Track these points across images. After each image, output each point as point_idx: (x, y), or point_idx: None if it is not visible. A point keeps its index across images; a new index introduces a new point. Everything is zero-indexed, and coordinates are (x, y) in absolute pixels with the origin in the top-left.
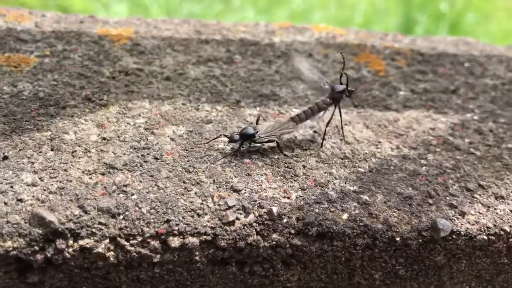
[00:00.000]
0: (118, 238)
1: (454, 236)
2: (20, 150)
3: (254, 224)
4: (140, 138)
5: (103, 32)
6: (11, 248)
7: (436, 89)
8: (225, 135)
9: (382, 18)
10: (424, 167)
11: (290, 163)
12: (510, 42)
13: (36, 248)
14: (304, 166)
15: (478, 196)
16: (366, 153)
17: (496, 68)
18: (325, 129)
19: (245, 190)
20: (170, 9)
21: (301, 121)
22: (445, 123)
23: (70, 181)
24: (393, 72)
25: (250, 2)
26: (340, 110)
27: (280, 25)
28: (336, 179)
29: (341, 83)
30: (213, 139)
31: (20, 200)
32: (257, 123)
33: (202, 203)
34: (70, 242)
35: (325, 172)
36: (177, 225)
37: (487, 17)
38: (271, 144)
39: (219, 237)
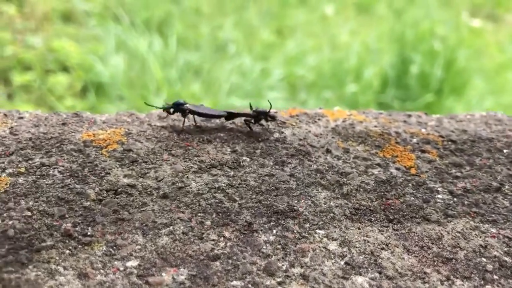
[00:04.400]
0: None
1: None
2: None
3: None
4: None
5: (89, 137)
6: None
7: (477, 187)
8: None
9: (376, 59)
10: None
11: None
12: (504, 76)
13: None
14: None
15: None
16: None
17: None
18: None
19: None
20: (167, 59)
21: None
22: (497, 237)
23: None
24: (426, 168)
25: (245, 49)
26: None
27: (289, 113)
28: None
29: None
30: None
31: None
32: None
33: None
34: None
35: None
36: None
37: (480, 53)
38: None
39: None
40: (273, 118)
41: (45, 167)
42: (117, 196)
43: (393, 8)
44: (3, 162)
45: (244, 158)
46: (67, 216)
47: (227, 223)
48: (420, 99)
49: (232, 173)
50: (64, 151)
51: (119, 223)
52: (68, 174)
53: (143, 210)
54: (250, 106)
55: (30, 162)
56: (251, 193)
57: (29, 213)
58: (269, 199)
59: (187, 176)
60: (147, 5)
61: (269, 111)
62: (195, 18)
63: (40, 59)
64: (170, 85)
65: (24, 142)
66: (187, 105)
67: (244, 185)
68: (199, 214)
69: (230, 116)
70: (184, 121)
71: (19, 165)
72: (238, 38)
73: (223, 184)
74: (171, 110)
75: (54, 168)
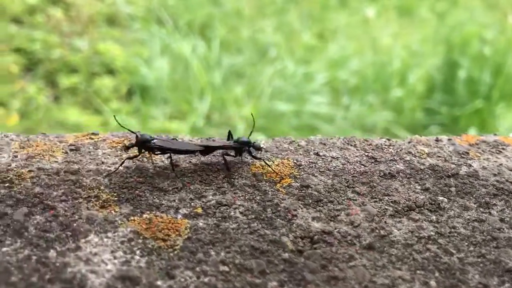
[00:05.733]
0: None
1: None
2: None
3: None
4: None
5: (257, 169)
6: None
7: None
8: None
9: (420, 62)
10: None
11: None
12: None
13: None
14: None
15: None
16: None
17: None
18: None
19: None
20: (210, 62)
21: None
22: None
23: None
24: None
25: (287, 53)
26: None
27: (467, 140)
28: None
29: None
30: None
31: None
32: None
33: None
34: None
35: None
36: None
37: None
38: None
39: None
40: (258, 148)
41: (223, 207)
42: (315, 246)
43: (436, 11)
44: (174, 200)
45: (440, 198)
46: (267, 271)
47: (455, 284)
48: (468, 105)
49: (433, 217)
50: (236, 187)
51: (333, 282)
52: (252, 216)
53: (353, 266)
54: (229, 135)
55: (204, 200)
56: (466, 244)
57: (226, 268)
58: (493, 252)
59: (385, 221)
60: (190, 7)
61: (253, 142)
62: (236, 21)
63: (86, 62)
64: (214, 88)
65: (190, 174)
66: (155, 140)
67: (455, 234)
68: (418, 272)
69: (208, 149)
70: (152, 158)
71: (192, 203)
72: (279, 41)
73: (431, 232)
74: (135, 149)
75: (234, 208)
